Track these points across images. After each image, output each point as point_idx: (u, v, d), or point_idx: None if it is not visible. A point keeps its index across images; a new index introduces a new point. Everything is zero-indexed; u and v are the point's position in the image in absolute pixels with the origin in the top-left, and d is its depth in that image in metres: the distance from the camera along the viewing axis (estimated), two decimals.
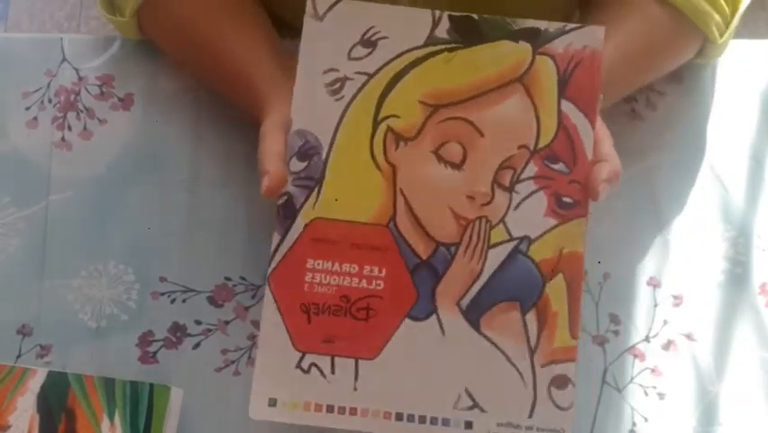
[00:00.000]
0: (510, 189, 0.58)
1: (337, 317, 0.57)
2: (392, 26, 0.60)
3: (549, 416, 0.56)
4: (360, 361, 0.57)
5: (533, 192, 0.58)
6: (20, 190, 0.69)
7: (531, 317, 0.57)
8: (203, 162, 0.71)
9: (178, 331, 0.65)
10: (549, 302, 0.57)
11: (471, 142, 0.59)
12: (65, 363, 0.63)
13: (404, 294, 0.57)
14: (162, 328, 0.65)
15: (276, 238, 0.57)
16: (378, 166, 0.59)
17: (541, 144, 0.59)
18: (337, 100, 0.59)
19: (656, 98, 0.75)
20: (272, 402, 0.56)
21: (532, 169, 0.58)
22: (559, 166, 0.59)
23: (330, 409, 0.56)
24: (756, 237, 0.69)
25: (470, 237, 0.58)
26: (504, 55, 0.60)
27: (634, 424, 0.63)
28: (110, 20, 0.73)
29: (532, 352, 0.57)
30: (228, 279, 0.67)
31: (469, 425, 0.56)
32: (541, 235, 0.58)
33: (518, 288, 0.57)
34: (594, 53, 0.60)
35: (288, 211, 0.58)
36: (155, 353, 0.64)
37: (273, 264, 0.57)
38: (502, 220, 0.58)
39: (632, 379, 0.64)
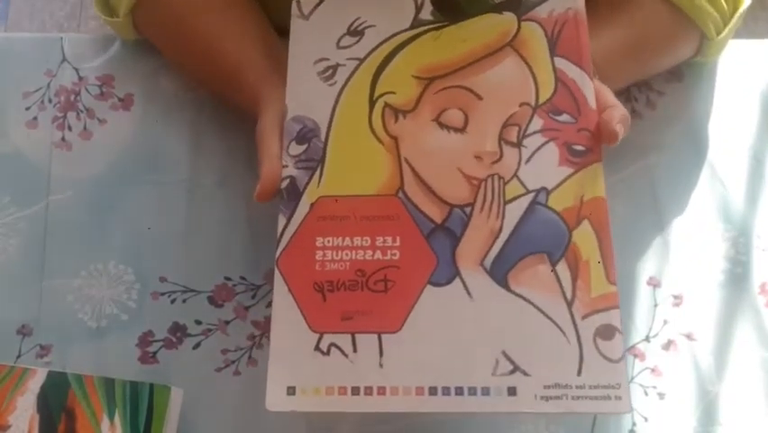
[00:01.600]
0: (518, 145, 0.57)
1: (354, 291, 0.54)
2: (377, 15, 0.61)
3: (599, 371, 0.51)
4: (383, 335, 0.53)
5: (542, 144, 0.57)
6: (20, 190, 0.69)
7: (562, 267, 0.54)
8: (203, 162, 0.71)
9: (178, 331, 0.65)
10: (578, 251, 0.54)
11: (471, 107, 0.58)
12: (65, 363, 0.63)
13: (422, 260, 0.54)
14: (162, 328, 0.65)
15: (281, 221, 0.56)
16: (379, 139, 0.58)
17: (542, 100, 0.58)
18: (331, 85, 0.59)
19: (656, 98, 0.75)
20: (291, 391, 0.52)
21: (537, 123, 0.58)
22: (564, 117, 0.58)
23: (355, 391, 0.51)
24: (756, 237, 0.69)
25: (485, 195, 0.56)
26: (490, 26, 0.61)
27: (634, 424, 0.63)
28: (106, 21, 0.73)
29: (569, 304, 0.53)
30: (228, 279, 0.67)
31: (512, 391, 0.51)
32: (558, 185, 0.56)
33: (543, 239, 0.55)
34: (577, 14, 0.61)
35: (292, 193, 0.57)
36: (155, 353, 0.64)
37: (281, 247, 0.55)
38: (515, 175, 0.56)
39: (632, 379, 0.64)
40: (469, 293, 0.54)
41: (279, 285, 0.54)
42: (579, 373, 0.52)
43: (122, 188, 0.70)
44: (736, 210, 0.70)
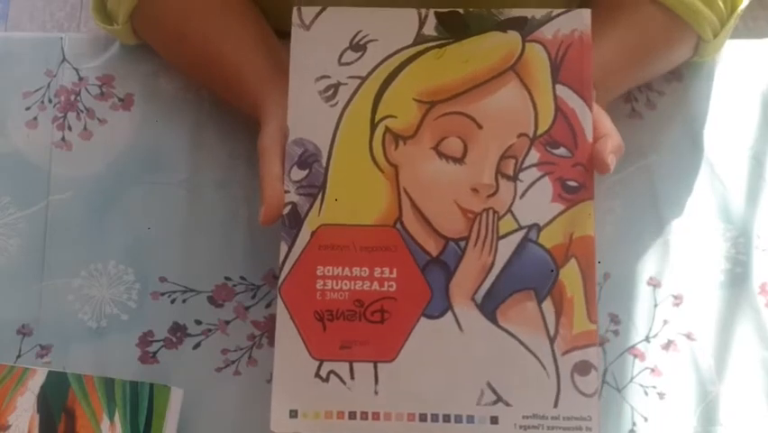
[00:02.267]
0: (514, 178, 0.58)
1: (352, 322, 0.57)
2: (380, 29, 0.61)
3: (574, 404, 0.55)
4: (378, 364, 0.56)
5: (537, 179, 0.58)
6: (20, 190, 0.69)
7: (547, 305, 0.56)
8: (203, 162, 0.71)
9: (178, 331, 0.65)
10: (564, 288, 0.56)
11: (471, 135, 0.59)
12: (65, 363, 0.63)
13: (417, 293, 0.57)
14: (162, 328, 0.65)
15: (283, 248, 0.57)
16: (379, 167, 0.59)
17: (540, 131, 0.59)
18: (332, 106, 0.59)
19: (656, 98, 0.75)
20: (293, 414, 0.56)
21: (534, 156, 0.58)
22: (560, 151, 0.58)
23: (352, 415, 0.56)
24: (756, 237, 0.69)
25: (479, 230, 0.57)
26: (494, 46, 0.60)
27: (634, 424, 0.63)
28: (105, 29, 0.73)
29: (551, 340, 0.56)
30: (228, 279, 0.67)
31: (494, 420, 0.55)
32: (550, 222, 0.57)
33: (532, 276, 0.57)
34: (583, 36, 0.60)
35: (294, 220, 0.58)
36: (155, 353, 0.64)
37: (283, 275, 0.57)
38: (509, 210, 0.57)
39: (632, 379, 0.64)
40: (459, 326, 0.56)
41: (282, 313, 0.57)
42: (555, 405, 0.55)
43: (122, 188, 0.70)
44: (736, 210, 0.70)
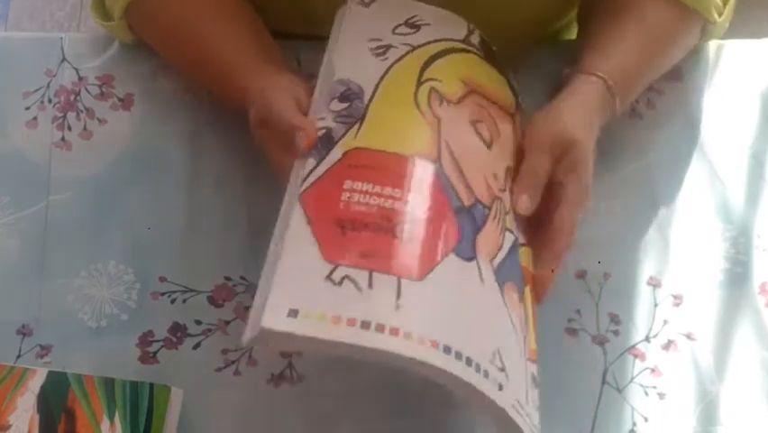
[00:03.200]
0: (509, 192, 0.59)
1: (378, 234, 0.50)
2: (434, 19, 0.64)
3: (532, 410, 0.52)
4: (403, 279, 0.48)
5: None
6: (20, 190, 0.69)
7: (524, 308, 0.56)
8: (203, 162, 0.71)
9: (178, 331, 0.65)
10: (527, 306, 0.56)
11: (495, 135, 0.60)
12: (65, 363, 0.63)
13: (448, 229, 0.52)
14: (162, 328, 0.65)
15: (310, 163, 0.53)
16: (422, 113, 0.57)
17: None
18: (382, 60, 0.60)
19: (655, 97, 0.75)
20: (293, 313, 0.46)
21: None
22: None
23: (366, 325, 0.46)
24: (756, 237, 0.69)
25: (497, 209, 0.57)
26: (508, 92, 0.65)
27: (634, 424, 0.63)
28: (102, 25, 0.73)
29: (524, 340, 0.54)
30: (228, 279, 0.67)
31: (501, 387, 0.49)
32: (524, 244, 0.58)
33: (516, 279, 0.56)
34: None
35: (326, 142, 0.54)
36: (155, 353, 0.64)
37: (305, 185, 0.52)
38: (508, 212, 0.58)
39: (632, 379, 0.64)
40: (482, 278, 0.52)
41: (298, 217, 0.50)
42: (526, 402, 0.51)
43: (122, 188, 0.70)
44: (736, 210, 0.70)
